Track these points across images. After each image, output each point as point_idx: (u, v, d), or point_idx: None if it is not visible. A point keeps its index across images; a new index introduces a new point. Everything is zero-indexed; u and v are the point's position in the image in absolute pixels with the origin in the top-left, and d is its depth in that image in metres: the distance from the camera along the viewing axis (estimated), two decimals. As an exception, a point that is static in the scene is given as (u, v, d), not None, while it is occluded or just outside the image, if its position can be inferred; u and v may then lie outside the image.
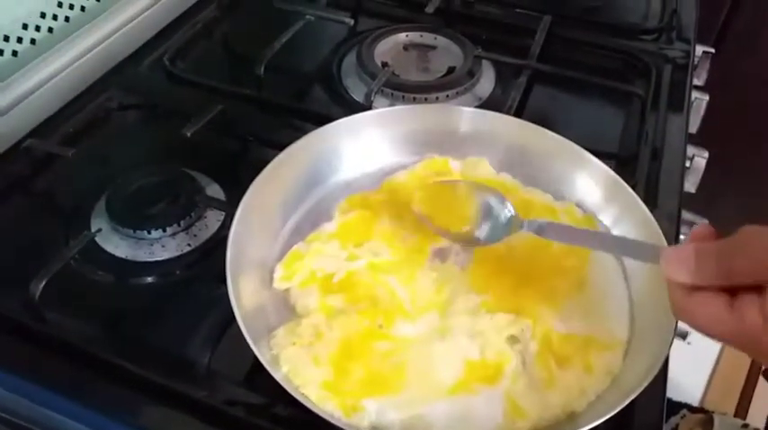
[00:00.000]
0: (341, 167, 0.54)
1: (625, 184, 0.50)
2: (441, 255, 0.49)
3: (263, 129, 0.66)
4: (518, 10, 0.84)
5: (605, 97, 0.74)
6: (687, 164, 0.74)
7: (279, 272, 0.47)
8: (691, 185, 0.76)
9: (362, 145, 0.55)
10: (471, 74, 0.73)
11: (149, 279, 0.53)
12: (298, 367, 0.40)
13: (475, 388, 0.41)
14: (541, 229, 0.44)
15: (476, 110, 0.58)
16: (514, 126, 0.56)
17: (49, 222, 0.57)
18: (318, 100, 0.72)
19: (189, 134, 0.58)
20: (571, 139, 0.54)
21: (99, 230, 0.54)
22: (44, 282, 0.46)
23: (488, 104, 0.71)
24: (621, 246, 0.45)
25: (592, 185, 0.52)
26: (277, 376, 0.38)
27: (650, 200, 0.58)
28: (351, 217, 0.50)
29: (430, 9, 0.80)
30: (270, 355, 0.41)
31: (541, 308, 0.45)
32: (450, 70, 0.74)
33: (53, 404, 0.44)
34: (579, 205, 0.53)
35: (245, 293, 0.43)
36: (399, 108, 0.59)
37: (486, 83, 0.75)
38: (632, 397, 0.38)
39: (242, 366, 0.44)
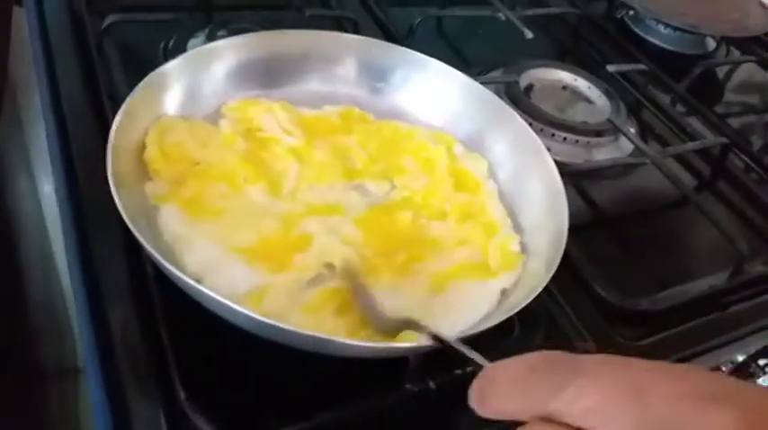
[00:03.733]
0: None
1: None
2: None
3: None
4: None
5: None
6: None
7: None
8: None
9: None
10: (597, 133, 0.68)
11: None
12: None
13: (257, 264, 0.41)
14: None
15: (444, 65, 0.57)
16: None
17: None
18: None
19: None
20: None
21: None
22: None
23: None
24: None
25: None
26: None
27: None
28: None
29: (611, 68, 0.76)
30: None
31: (387, 276, 0.43)
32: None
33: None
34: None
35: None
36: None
37: (603, 153, 0.68)
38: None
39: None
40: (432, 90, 0.56)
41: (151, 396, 0.38)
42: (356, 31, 0.71)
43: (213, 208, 0.43)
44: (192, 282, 0.34)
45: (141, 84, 0.44)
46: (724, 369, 0.55)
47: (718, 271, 0.57)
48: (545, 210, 0.47)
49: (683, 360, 0.50)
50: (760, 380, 0.57)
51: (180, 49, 0.63)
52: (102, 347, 0.39)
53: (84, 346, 0.40)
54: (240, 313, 0.33)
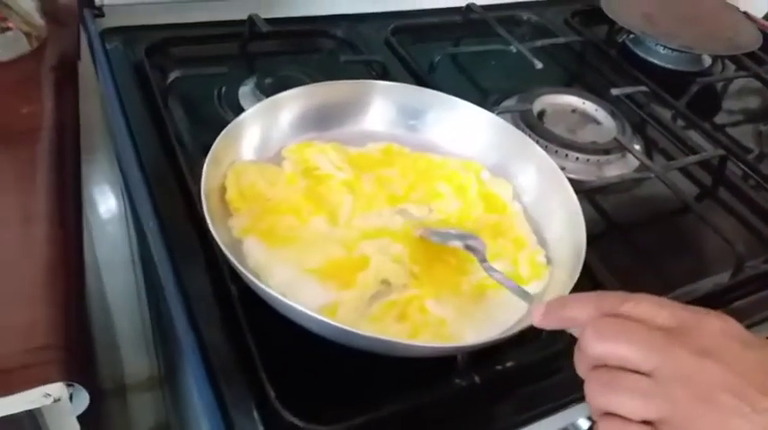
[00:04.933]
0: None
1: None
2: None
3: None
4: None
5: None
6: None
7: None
8: None
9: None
10: (606, 152, 0.76)
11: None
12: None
13: (327, 282, 0.49)
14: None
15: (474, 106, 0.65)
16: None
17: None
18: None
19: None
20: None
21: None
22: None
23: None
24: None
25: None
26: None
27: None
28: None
29: (615, 92, 0.83)
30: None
31: (434, 287, 0.50)
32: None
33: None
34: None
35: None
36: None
37: (613, 169, 0.76)
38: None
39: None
40: (460, 126, 0.64)
41: (245, 396, 0.46)
42: (384, 72, 0.79)
43: (286, 237, 0.51)
44: (289, 301, 0.42)
45: (221, 135, 0.53)
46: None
47: (720, 271, 0.64)
48: (565, 227, 0.54)
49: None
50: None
51: (232, 95, 0.72)
52: (204, 361, 0.47)
53: (188, 362, 0.48)
54: (329, 324, 0.41)
